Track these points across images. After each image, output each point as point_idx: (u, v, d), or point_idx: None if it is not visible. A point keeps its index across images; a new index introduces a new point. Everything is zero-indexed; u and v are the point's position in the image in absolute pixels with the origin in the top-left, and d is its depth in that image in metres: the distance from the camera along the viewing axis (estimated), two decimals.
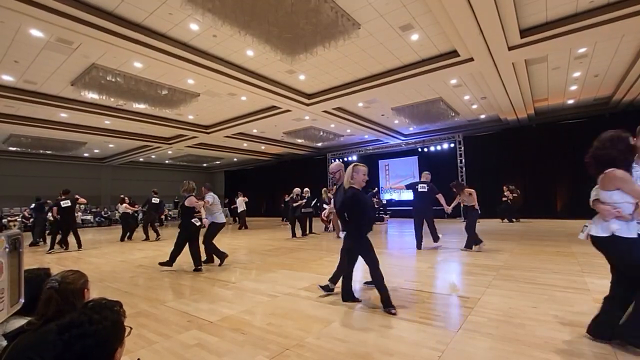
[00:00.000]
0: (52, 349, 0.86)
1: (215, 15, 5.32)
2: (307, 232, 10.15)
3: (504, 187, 11.87)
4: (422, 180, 6.91)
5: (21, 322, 1.26)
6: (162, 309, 3.51)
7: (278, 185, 20.51)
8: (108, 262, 6.57)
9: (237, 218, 15.09)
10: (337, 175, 3.89)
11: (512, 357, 2.18)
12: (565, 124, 12.49)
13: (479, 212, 6.42)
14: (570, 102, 11.60)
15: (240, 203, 13.47)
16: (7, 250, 0.32)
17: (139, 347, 2.55)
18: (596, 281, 3.87)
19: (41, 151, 16.27)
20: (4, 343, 1.20)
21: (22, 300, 0.35)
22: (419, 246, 6.67)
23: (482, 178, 13.52)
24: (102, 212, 19.03)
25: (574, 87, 10.08)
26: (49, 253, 7.98)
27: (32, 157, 17.51)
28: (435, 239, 6.83)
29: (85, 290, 1.48)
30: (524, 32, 6.53)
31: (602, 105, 11.80)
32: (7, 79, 8.00)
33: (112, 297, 3.22)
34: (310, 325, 2.90)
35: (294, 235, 9.64)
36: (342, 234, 4.27)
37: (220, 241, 9.68)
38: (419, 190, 6.72)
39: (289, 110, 10.89)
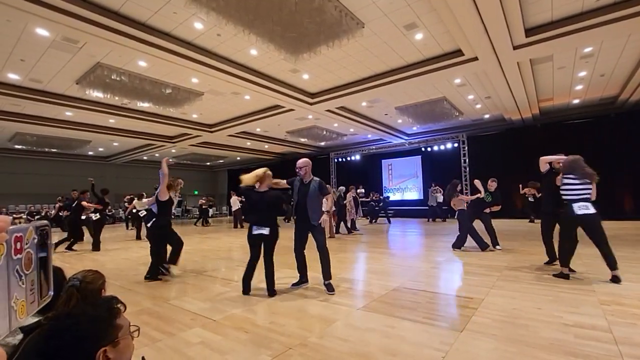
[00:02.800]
0: (38, 343, 0.84)
1: (219, 14, 5.33)
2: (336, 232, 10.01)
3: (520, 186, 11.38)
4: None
5: (32, 320, 1.29)
6: (165, 307, 3.53)
7: None
8: (112, 260, 6.61)
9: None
10: (303, 171, 4.03)
11: (516, 358, 2.16)
12: (571, 124, 12.39)
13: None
14: (576, 101, 11.51)
15: (234, 202, 13.67)
16: (35, 241, 0.32)
17: (142, 345, 2.57)
18: (602, 282, 3.83)
19: (46, 149, 16.41)
20: (20, 336, 1.22)
21: (52, 293, 0.35)
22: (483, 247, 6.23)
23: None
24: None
25: (579, 87, 10.00)
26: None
27: (38, 155, 17.66)
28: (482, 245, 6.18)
29: (103, 290, 1.53)
30: (529, 31, 6.48)
31: (607, 105, 11.70)
32: (14, 77, 8.07)
33: (116, 295, 3.23)
34: (313, 324, 2.90)
35: (337, 231, 9.81)
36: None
37: (222, 240, 9.72)
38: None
39: (292, 110, 10.89)
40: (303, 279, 4.17)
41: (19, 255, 0.32)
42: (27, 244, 0.33)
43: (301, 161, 4.07)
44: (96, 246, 8.05)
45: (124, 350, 0.91)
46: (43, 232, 0.36)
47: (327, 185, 4.12)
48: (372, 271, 4.97)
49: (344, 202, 10.03)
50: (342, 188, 10.29)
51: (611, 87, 10.06)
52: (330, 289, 3.80)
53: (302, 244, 4.10)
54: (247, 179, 3.88)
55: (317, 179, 4.06)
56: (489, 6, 5.36)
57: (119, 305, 0.97)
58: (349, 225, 10.28)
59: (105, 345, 0.86)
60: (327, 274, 3.90)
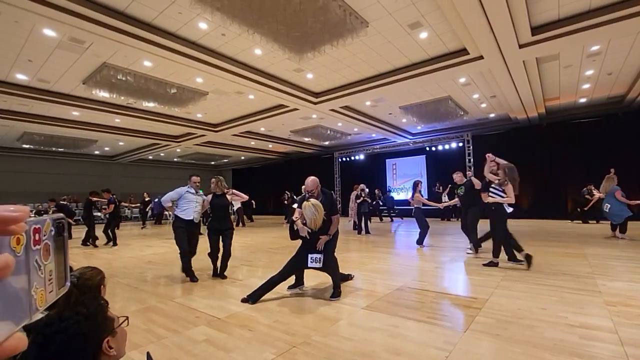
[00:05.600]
0: (31, 353, 0.84)
1: (224, 14, 5.35)
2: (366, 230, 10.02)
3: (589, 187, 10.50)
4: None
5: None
6: (170, 305, 3.56)
7: (284, 184, 20.61)
8: (118, 258, 6.68)
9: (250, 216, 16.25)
10: (316, 193, 3.79)
11: (520, 359, 2.16)
12: (577, 123, 12.26)
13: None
14: (583, 100, 11.37)
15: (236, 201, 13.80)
16: (52, 233, 0.34)
17: (148, 342, 2.60)
18: (608, 283, 3.80)
19: (53, 149, 16.60)
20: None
21: (69, 283, 0.37)
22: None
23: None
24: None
25: (586, 86, 9.89)
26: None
27: (45, 155, 17.89)
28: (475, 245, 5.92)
29: (102, 286, 1.53)
30: (535, 30, 6.42)
31: (615, 104, 11.56)
32: (21, 77, 8.17)
33: (122, 293, 3.27)
34: (317, 323, 2.91)
35: (360, 231, 9.88)
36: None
37: None
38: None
39: (296, 109, 10.90)
40: (299, 281, 4.04)
41: (37, 246, 0.34)
42: (44, 235, 0.35)
43: (310, 183, 3.79)
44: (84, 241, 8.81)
45: (121, 338, 1.02)
46: (60, 225, 0.38)
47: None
48: (375, 270, 4.97)
49: (358, 201, 10.05)
50: (363, 185, 10.24)
51: (619, 85, 9.93)
52: (333, 294, 3.64)
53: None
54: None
55: (326, 192, 3.81)
56: (495, 4, 5.32)
57: (102, 302, 1.06)
58: (355, 221, 10.35)
59: (107, 336, 0.95)
60: (335, 285, 3.71)
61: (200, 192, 5.13)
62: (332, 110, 11.07)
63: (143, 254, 7.12)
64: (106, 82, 8.18)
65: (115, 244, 8.61)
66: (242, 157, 22.43)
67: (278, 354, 2.33)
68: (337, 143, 17.67)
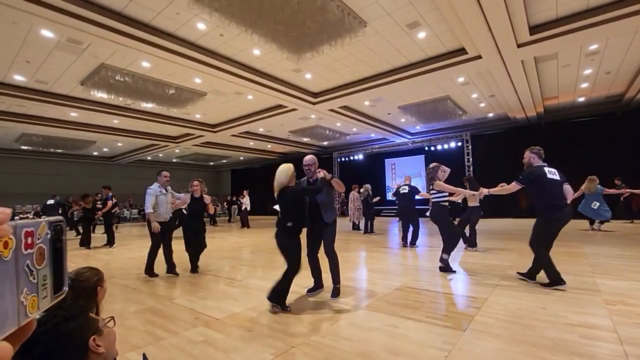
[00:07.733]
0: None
1: (222, 15, 5.35)
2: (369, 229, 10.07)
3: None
4: (404, 182, 7.51)
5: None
6: (169, 306, 3.55)
7: None
8: (117, 259, 6.67)
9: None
10: (313, 168, 3.77)
11: (520, 358, 2.15)
12: (576, 123, 12.28)
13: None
14: (581, 100, 11.40)
15: (246, 201, 13.72)
16: (49, 236, 0.33)
17: (146, 343, 2.59)
18: (607, 282, 3.80)
19: (52, 150, 16.58)
20: None
21: (66, 289, 0.36)
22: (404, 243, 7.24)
23: (490, 178, 13.34)
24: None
25: (584, 85, 9.91)
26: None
27: (43, 156, 17.85)
28: (413, 242, 7.10)
29: (99, 287, 1.47)
30: (533, 29, 6.43)
31: (613, 103, 11.58)
32: (19, 78, 8.15)
33: (120, 294, 3.25)
34: (316, 323, 2.90)
35: (365, 231, 9.94)
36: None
37: (226, 239, 9.76)
38: (401, 192, 7.39)
39: (295, 109, 10.90)
40: (318, 283, 3.88)
41: (29, 250, 0.32)
42: (39, 239, 0.34)
43: (308, 158, 3.79)
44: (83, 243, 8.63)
45: (109, 338, 1.02)
46: (57, 228, 0.36)
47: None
48: (375, 270, 4.96)
49: (372, 201, 9.98)
50: (368, 186, 10.07)
51: (617, 85, 9.96)
52: (334, 293, 3.60)
53: (315, 248, 3.80)
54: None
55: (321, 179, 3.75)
56: (493, 4, 5.33)
57: (82, 303, 1.07)
58: (355, 221, 10.36)
59: (92, 335, 0.95)
60: (335, 279, 3.66)
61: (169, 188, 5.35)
62: (331, 110, 11.07)
63: (141, 255, 7.07)
64: (104, 83, 8.16)
65: (112, 244, 8.57)
66: (241, 158, 22.42)
67: (277, 355, 2.32)
68: (336, 143, 17.68)
